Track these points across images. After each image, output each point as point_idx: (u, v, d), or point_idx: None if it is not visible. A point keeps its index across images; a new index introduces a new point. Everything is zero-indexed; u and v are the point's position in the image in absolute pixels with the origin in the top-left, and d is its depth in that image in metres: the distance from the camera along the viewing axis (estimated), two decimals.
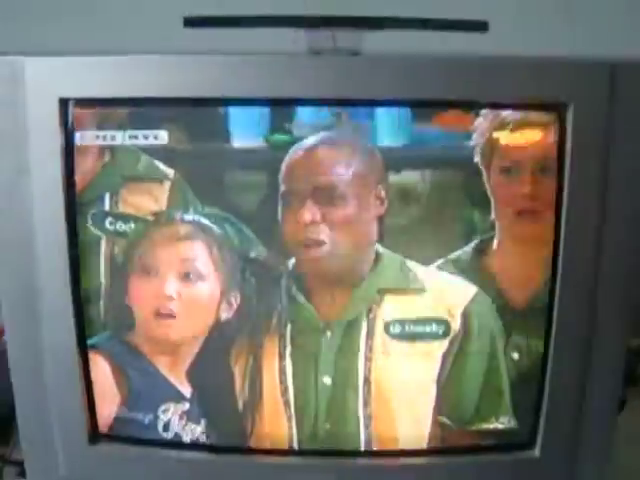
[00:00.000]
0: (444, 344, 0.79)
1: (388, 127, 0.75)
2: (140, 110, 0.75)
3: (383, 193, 0.76)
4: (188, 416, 0.81)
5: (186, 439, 0.82)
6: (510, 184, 0.76)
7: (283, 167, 0.75)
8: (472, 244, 0.78)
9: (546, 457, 0.80)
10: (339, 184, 0.76)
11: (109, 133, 0.75)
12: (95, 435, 0.81)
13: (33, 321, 0.77)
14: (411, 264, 0.78)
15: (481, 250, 0.78)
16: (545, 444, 0.80)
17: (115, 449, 0.82)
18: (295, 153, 0.75)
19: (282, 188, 0.76)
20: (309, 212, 0.75)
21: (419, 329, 0.79)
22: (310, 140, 0.75)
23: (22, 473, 0.84)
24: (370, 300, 0.79)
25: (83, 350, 0.79)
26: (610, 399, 0.80)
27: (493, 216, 0.77)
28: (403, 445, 0.82)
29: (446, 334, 0.79)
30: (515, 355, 0.80)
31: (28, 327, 0.78)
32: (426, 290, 0.78)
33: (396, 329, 0.79)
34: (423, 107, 0.75)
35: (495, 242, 0.78)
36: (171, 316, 0.78)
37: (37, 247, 0.76)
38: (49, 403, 0.79)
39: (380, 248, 0.78)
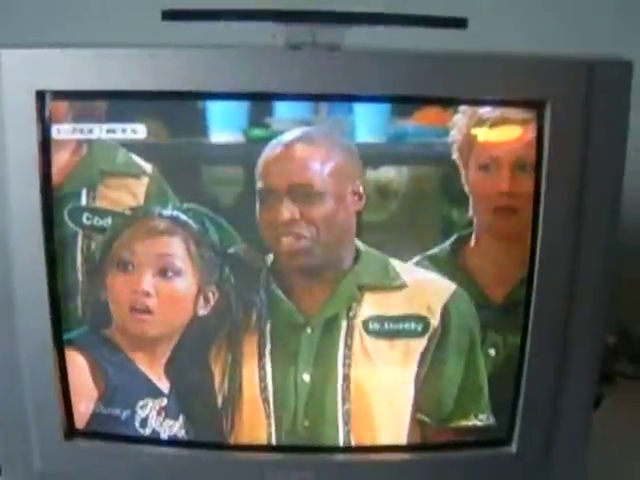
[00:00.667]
0: (423, 342, 0.79)
1: (367, 123, 0.75)
2: (118, 103, 0.74)
3: (361, 189, 0.76)
4: (166, 412, 0.81)
5: (164, 435, 0.81)
6: (488, 181, 0.77)
7: (260, 164, 0.75)
8: (450, 240, 0.78)
9: (523, 453, 0.81)
10: (316, 181, 0.75)
11: (86, 126, 0.74)
12: (71, 431, 0.81)
13: (8, 316, 0.77)
14: (391, 261, 0.78)
15: (459, 247, 0.78)
16: (522, 440, 0.80)
17: (92, 445, 0.81)
18: (272, 150, 0.75)
19: (259, 185, 0.76)
20: (287, 210, 0.75)
21: (398, 326, 0.79)
22: (287, 136, 0.75)
23: None
24: (350, 297, 0.79)
25: (59, 345, 0.78)
26: (586, 396, 0.81)
27: (471, 213, 0.77)
28: (382, 442, 0.82)
29: (425, 331, 0.79)
30: (493, 352, 0.80)
31: (3, 322, 0.77)
32: (406, 287, 0.78)
33: (375, 326, 0.79)
34: (402, 103, 0.75)
35: (473, 239, 0.78)
36: (148, 312, 0.77)
37: (13, 242, 0.75)
38: (25, 398, 0.78)
39: (360, 245, 0.78)
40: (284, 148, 0.75)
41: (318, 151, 0.76)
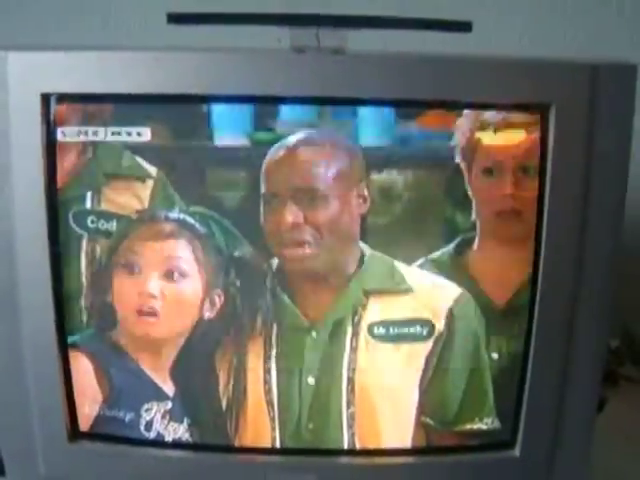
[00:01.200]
0: (428, 345, 0.79)
1: (371, 126, 0.75)
2: (123, 106, 0.74)
3: (365, 191, 0.76)
4: (171, 415, 0.81)
5: (168, 438, 0.81)
6: (491, 184, 0.77)
7: (264, 167, 0.75)
8: (454, 244, 0.78)
9: (526, 457, 0.81)
10: (320, 185, 0.75)
11: (91, 129, 0.75)
12: (75, 433, 0.81)
13: (13, 319, 0.77)
14: (396, 264, 0.78)
15: (463, 250, 0.78)
16: (525, 444, 0.80)
17: (95, 447, 0.81)
18: (275, 153, 0.75)
19: (263, 189, 0.76)
20: (291, 214, 0.75)
21: (403, 330, 0.79)
22: (291, 139, 0.75)
23: (1, 471, 0.84)
24: (355, 301, 0.79)
25: (64, 348, 0.78)
26: (590, 399, 0.81)
27: (474, 216, 0.77)
28: (385, 445, 0.82)
29: (430, 335, 0.79)
30: (497, 355, 0.80)
31: (8, 325, 0.77)
32: (411, 291, 0.78)
33: (380, 330, 0.79)
34: (406, 106, 0.75)
35: (476, 242, 0.78)
36: (153, 314, 0.77)
37: (17, 245, 0.75)
38: (29, 401, 0.79)
39: (365, 248, 0.78)
40: (287, 152, 0.75)
41: (322, 154, 0.76)
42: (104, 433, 0.81)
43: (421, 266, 0.78)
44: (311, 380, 0.79)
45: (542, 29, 1.16)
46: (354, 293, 0.79)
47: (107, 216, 0.77)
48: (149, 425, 0.81)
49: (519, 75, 0.73)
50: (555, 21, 1.17)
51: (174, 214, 0.77)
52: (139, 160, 0.76)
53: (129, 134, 0.75)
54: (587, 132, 0.74)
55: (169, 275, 0.77)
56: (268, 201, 0.76)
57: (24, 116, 0.73)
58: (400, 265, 0.78)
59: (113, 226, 0.77)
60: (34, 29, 1.14)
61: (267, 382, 0.79)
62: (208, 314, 0.78)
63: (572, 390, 0.79)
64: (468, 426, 0.81)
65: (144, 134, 0.75)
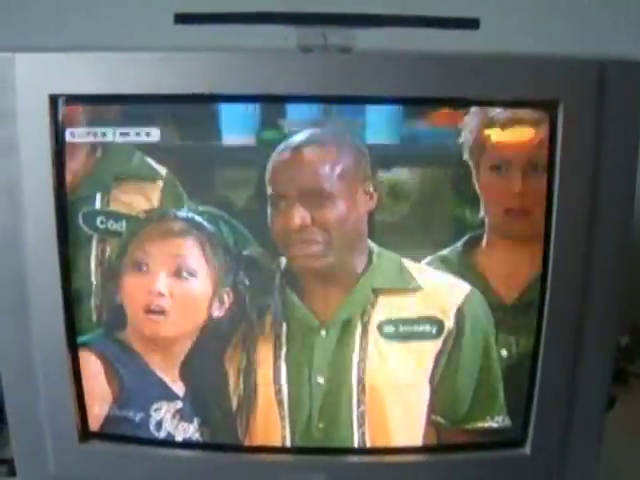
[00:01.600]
0: (437, 343, 0.79)
1: (378, 124, 0.75)
2: (131, 107, 0.75)
3: (371, 188, 0.76)
4: (181, 415, 0.81)
5: (178, 438, 0.82)
6: (500, 182, 0.76)
7: (269, 169, 0.75)
8: (462, 241, 0.78)
9: (536, 455, 0.80)
10: (326, 185, 0.75)
11: (100, 130, 0.75)
12: (85, 433, 0.81)
13: (23, 319, 0.77)
14: (405, 262, 0.78)
15: (471, 247, 0.78)
16: (536, 442, 0.80)
17: (106, 447, 0.82)
18: (280, 155, 0.75)
19: (269, 191, 0.76)
20: (298, 216, 0.75)
21: (413, 329, 0.79)
22: (294, 140, 0.75)
23: (12, 472, 0.84)
24: (364, 300, 0.79)
25: (73, 348, 0.79)
26: (600, 397, 0.80)
27: (482, 213, 0.77)
28: (396, 444, 0.82)
29: (440, 333, 0.79)
30: (507, 353, 0.80)
31: (18, 325, 0.77)
32: (420, 289, 0.78)
33: (390, 329, 0.79)
34: (413, 104, 0.75)
35: (485, 239, 0.78)
36: (162, 312, 0.77)
37: (27, 246, 0.76)
38: (39, 401, 0.79)
39: (373, 246, 0.78)
40: (292, 153, 0.75)
41: (326, 154, 0.76)
42: (114, 433, 0.82)
43: (429, 264, 0.78)
44: (321, 379, 0.79)
45: (547, 28, 1.16)
46: (363, 292, 0.79)
47: (116, 216, 0.77)
48: (159, 425, 0.81)
49: (527, 72, 0.73)
50: (559, 20, 1.17)
51: (183, 213, 0.77)
52: (148, 160, 0.76)
53: (138, 134, 0.75)
54: (595, 129, 0.73)
55: (178, 273, 0.77)
56: (275, 203, 0.76)
57: (32, 117, 0.73)
58: (408, 263, 0.78)
59: (122, 226, 0.77)
60: (39, 30, 1.14)
61: (277, 381, 0.80)
62: (217, 313, 0.78)
63: (582, 388, 0.79)
64: (479, 424, 0.81)
65: (153, 134, 0.75)
